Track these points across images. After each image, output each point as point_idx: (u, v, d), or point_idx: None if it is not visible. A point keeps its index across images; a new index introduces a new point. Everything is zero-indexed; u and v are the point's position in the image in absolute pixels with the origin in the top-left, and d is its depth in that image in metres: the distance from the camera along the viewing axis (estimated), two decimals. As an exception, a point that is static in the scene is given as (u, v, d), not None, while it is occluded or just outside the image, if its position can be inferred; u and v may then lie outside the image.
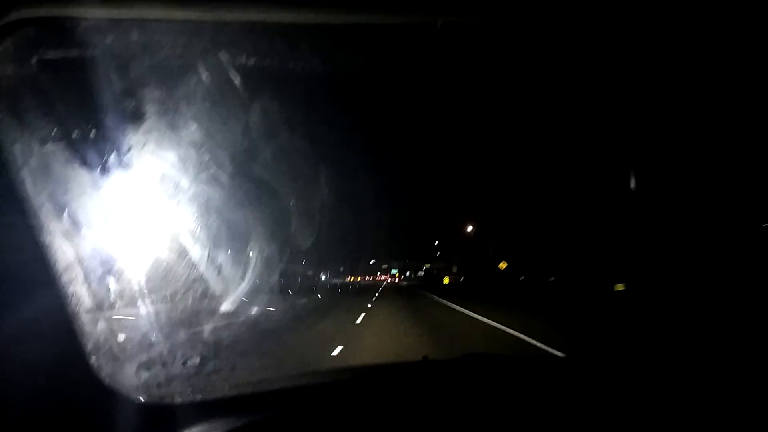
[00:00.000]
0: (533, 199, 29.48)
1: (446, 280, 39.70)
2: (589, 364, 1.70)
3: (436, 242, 60.14)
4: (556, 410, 1.07)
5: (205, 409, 1.14)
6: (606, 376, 1.41)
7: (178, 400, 1.19)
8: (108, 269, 1.15)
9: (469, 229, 36.97)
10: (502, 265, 28.85)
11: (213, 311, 7.25)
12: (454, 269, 43.85)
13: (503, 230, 33.86)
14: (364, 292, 30.96)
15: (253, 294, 9.81)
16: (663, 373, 1.44)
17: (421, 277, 79.38)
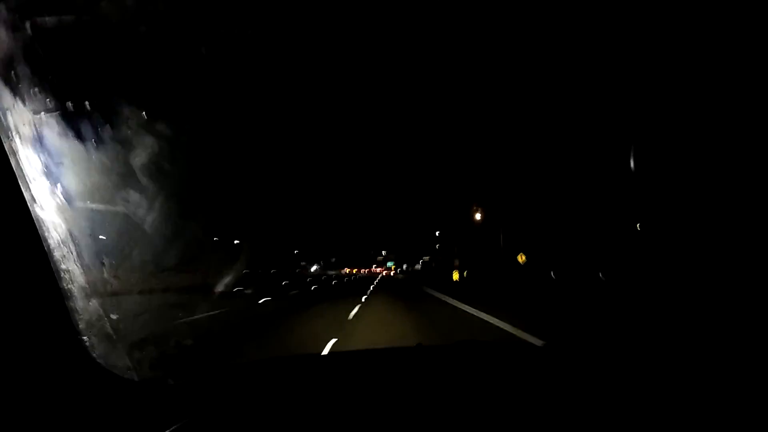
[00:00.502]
0: (560, 180, 26.41)
1: (456, 276, 36.35)
2: (565, 351, 1.84)
3: (437, 233, 60.10)
4: (532, 392, 1.20)
5: (199, 389, 1.22)
6: (581, 364, 1.54)
7: (170, 380, 1.27)
8: (102, 247, 1.20)
9: (477, 216, 34.36)
10: (521, 258, 25.40)
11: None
12: (456, 262, 43.95)
13: (517, 217, 31.24)
14: (350, 291, 23.54)
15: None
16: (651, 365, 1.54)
17: (418, 270, 79.67)
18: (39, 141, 1.05)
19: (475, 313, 10.44)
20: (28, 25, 1.02)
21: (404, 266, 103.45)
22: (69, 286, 1.08)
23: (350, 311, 10.63)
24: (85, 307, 1.11)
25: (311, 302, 14.76)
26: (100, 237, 1.16)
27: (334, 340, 6.43)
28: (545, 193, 27.17)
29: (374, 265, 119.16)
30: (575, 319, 9.80)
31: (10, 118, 1.00)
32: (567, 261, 25.01)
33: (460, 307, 12.47)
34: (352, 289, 26.51)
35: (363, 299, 15.87)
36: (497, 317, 9.04)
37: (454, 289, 23.42)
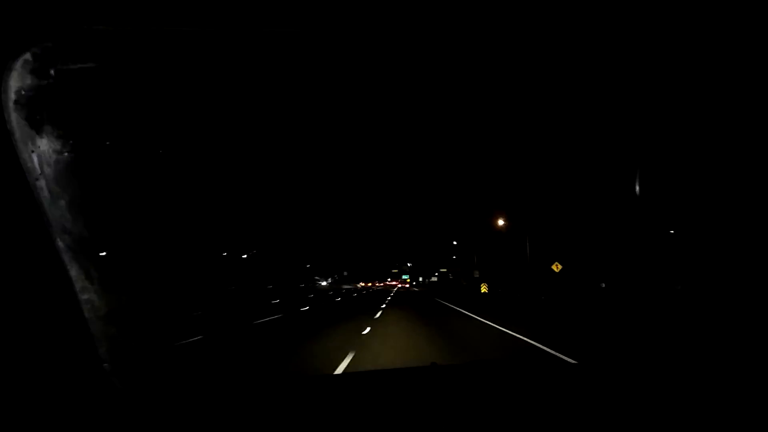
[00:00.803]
0: (590, 183, 24.05)
1: (484, 289, 31.92)
2: (599, 372, 1.80)
3: (455, 242, 59.80)
4: (558, 417, 1.19)
5: (217, 411, 1.29)
6: (617, 385, 1.52)
7: (190, 403, 1.36)
8: (123, 276, 1.31)
9: (500, 223, 31.03)
10: (557, 267, 23.60)
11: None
12: (476, 273, 43.62)
13: (544, 223, 29.55)
14: (354, 312, 17.94)
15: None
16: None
17: (434, 282, 79.18)
18: (63, 179, 1.16)
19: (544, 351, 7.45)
20: (52, 71, 1.14)
21: (420, 278, 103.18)
22: (91, 315, 1.18)
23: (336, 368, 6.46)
24: (105, 334, 1.21)
25: (275, 343, 9.37)
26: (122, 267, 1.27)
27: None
28: (575, 197, 25.97)
29: (389, 278, 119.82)
30: (643, 339, 8.49)
31: (35, 160, 1.12)
32: (613, 269, 23.16)
33: (511, 336, 9.30)
34: (359, 307, 21.18)
35: (367, 330, 10.72)
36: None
37: (482, 304, 20.21)
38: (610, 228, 23.83)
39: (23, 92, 1.06)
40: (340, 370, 6.42)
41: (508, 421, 1.17)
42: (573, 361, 5.92)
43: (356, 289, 73.06)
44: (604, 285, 22.26)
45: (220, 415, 1.27)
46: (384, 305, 22.36)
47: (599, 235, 24.53)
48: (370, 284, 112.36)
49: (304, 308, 20.39)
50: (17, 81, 1.08)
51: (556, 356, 6.85)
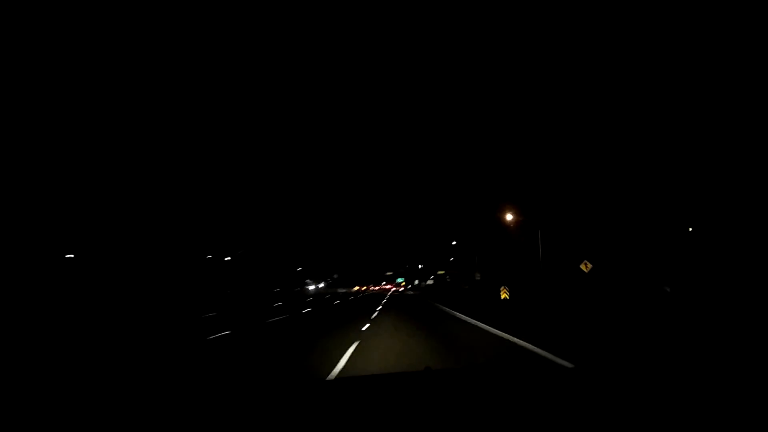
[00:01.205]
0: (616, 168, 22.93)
1: (504, 294, 26.12)
2: (594, 377, 1.89)
3: (454, 242, 57.25)
4: (553, 420, 1.28)
5: (205, 419, 1.39)
6: (612, 388, 1.65)
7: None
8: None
9: (509, 217, 29.26)
10: (586, 267, 20.89)
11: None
12: (478, 276, 41.17)
13: (559, 218, 27.53)
14: (319, 339, 11.56)
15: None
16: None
17: (430, 286, 76.81)
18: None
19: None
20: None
21: (416, 281, 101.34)
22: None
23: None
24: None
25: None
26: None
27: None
28: (617, 183, 23.65)
29: (384, 282, 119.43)
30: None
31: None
32: (681, 269, 20.29)
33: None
34: (329, 326, 15.02)
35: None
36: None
37: (510, 316, 15.13)
38: (675, 219, 21.25)
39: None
40: None
41: (499, 426, 1.23)
42: (569, 365, 5.65)
43: (347, 294, 70.76)
44: (669, 289, 18.97)
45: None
46: (368, 325, 14.76)
47: (660, 228, 21.84)
48: (365, 288, 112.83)
49: (212, 337, 12.49)
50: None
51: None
